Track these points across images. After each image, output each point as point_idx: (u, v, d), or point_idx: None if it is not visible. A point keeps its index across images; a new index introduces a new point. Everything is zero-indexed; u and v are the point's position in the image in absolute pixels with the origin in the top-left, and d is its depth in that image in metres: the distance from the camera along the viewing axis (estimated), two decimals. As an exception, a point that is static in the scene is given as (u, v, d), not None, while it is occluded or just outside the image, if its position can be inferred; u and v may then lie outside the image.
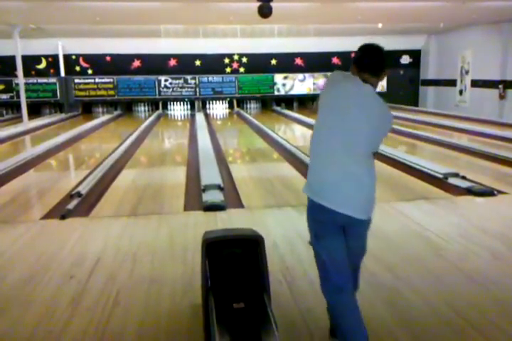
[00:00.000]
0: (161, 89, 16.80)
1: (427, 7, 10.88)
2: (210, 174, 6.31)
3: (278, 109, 16.79)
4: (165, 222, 4.63)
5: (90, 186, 5.89)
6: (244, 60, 17.36)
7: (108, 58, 16.79)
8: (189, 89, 16.92)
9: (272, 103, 17.45)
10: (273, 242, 3.86)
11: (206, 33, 14.59)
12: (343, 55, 16.93)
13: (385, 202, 4.97)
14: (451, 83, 16.23)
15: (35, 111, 15.79)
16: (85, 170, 7.16)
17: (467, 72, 15.34)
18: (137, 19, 11.84)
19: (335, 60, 17.47)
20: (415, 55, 18.14)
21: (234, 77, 17.12)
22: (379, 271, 3.39)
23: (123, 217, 4.77)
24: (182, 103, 17.34)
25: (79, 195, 5.43)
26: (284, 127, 13.59)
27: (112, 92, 16.63)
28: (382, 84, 17.13)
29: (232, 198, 5.38)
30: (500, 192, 5.45)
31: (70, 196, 5.43)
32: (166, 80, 16.77)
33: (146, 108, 17.43)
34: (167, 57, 16.97)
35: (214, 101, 17.48)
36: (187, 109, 17.26)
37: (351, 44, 16.68)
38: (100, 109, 17.22)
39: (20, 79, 13.10)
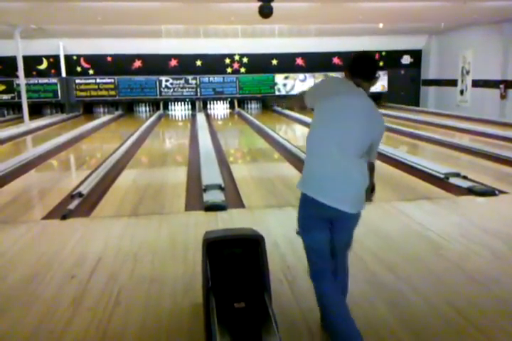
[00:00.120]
0: (162, 89, 16.81)
1: (427, 7, 10.88)
2: (211, 174, 6.31)
3: (279, 109, 16.79)
4: (166, 222, 4.63)
5: (91, 186, 5.90)
6: (245, 60, 17.37)
7: (109, 58, 16.82)
8: (190, 90, 16.93)
9: (273, 103, 17.45)
10: (274, 242, 3.86)
11: (207, 33, 14.60)
12: (344, 55, 16.93)
13: (386, 202, 4.97)
14: (452, 83, 16.22)
15: (36, 111, 15.81)
16: (86, 170, 7.16)
17: (468, 72, 15.33)
18: (138, 19, 11.85)
19: (336, 60, 17.47)
20: (416, 55, 18.14)
21: (235, 77, 17.13)
22: (380, 270, 3.39)
23: (124, 217, 4.77)
24: (183, 103, 17.36)
25: (80, 195, 5.43)
26: (285, 127, 13.59)
27: (113, 93, 16.65)
28: (383, 84, 17.16)
29: (233, 198, 5.38)
30: (501, 192, 5.44)
31: (71, 196, 5.44)
32: (166, 80, 16.78)
33: (147, 108, 17.45)
34: (168, 57, 16.99)
35: (215, 102, 17.50)
36: (188, 109, 17.28)
37: (352, 44, 16.79)
38: (101, 110, 17.24)
39: (22, 80, 13.11)
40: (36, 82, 16.19)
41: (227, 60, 17.32)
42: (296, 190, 2.46)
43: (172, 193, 5.76)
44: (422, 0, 10.27)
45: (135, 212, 4.98)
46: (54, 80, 16.25)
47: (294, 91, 17.26)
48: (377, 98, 17.59)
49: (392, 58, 17.77)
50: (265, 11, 7.99)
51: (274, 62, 17.45)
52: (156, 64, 16.89)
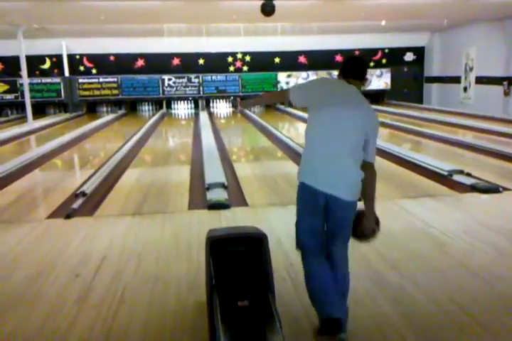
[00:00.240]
0: (165, 88, 16.82)
1: (430, 4, 10.85)
2: (214, 172, 6.32)
3: (282, 107, 16.78)
4: (169, 220, 4.64)
5: (95, 185, 5.91)
6: (247, 58, 17.36)
7: (112, 58, 16.84)
8: (193, 88, 16.94)
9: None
10: (277, 240, 3.86)
11: (209, 32, 14.60)
12: (346, 53, 16.85)
13: (389, 200, 4.98)
14: (456, 80, 16.17)
15: (39, 111, 15.83)
16: (90, 169, 7.18)
17: (471, 69, 15.28)
18: (140, 18, 11.86)
19: (338, 58, 17.41)
20: (419, 52, 18.09)
21: (237, 75, 17.13)
22: (383, 268, 3.39)
23: (128, 216, 4.79)
24: (186, 102, 17.36)
25: (84, 194, 5.45)
26: (288, 125, 13.58)
27: (116, 92, 16.67)
28: (386, 82, 17.13)
29: (237, 196, 5.38)
30: (505, 188, 5.43)
31: (75, 195, 5.45)
32: (169, 79, 16.79)
33: (150, 107, 17.46)
34: (170, 56, 17.00)
35: (218, 100, 17.50)
36: (191, 108, 17.28)
37: (355, 42, 16.69)
38: (104, 109, 17.26)
39: (25, 80, 13.13)
40: (39, 81, 16.22)
41: (230, 59, 17.32)
42: (299, 188, 2.48)
43: (175, 192, 5.77)
44: (425, -3, 10.27)
45: (139, 210, 4.99)
46: (57, 80, 16.28)
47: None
48: (380, 95, 17.60)
49: (395, 55, 17.73)
50: (267, 9, 8.00)
51: (277, 60, 17.43)
52: (158, 63, 16.90)
